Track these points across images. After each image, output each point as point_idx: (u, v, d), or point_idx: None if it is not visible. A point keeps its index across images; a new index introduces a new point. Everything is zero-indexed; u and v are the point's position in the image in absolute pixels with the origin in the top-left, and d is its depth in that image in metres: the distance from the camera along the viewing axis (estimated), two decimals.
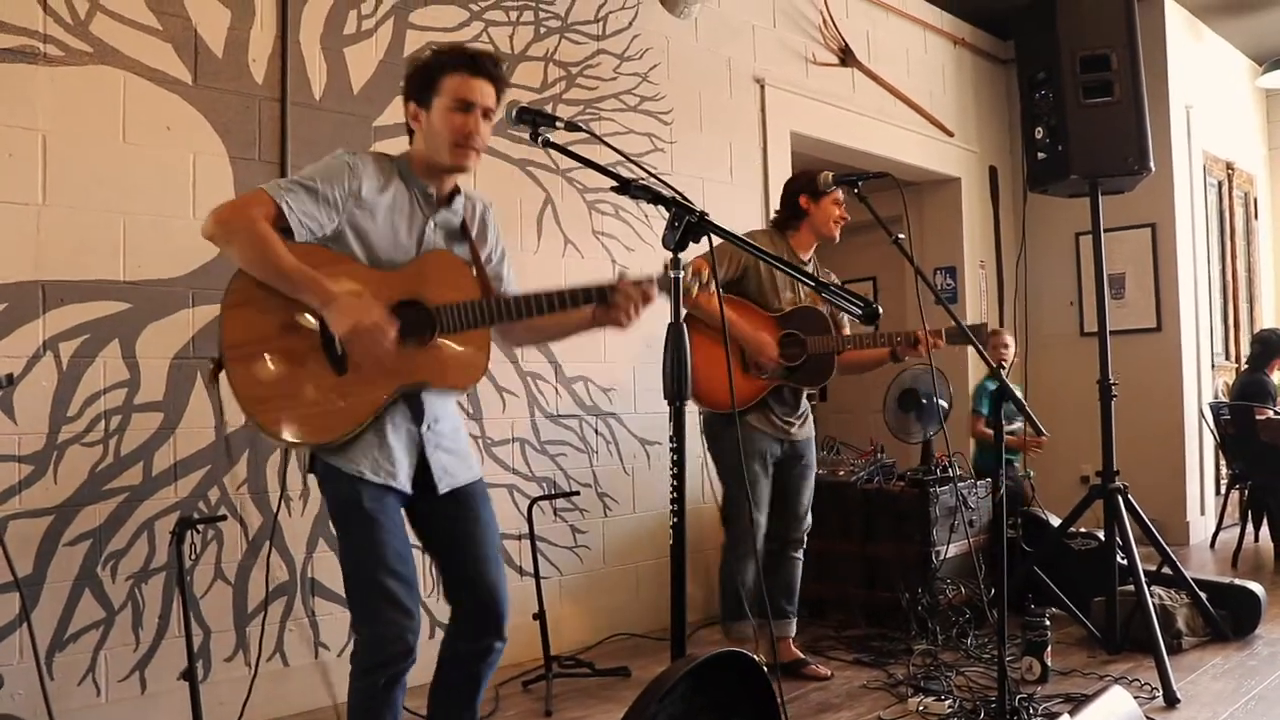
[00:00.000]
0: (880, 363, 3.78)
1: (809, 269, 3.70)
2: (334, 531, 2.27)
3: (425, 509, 2.31)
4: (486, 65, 2.26)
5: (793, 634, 3.82)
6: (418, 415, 2.27)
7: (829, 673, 3.74)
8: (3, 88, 2.92)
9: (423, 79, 2.26)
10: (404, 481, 2.23)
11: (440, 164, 2.28)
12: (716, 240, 2.01)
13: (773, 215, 3.91)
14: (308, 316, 2.14)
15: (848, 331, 3.75)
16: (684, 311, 1.96)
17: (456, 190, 2.37)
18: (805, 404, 3.77)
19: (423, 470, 2.27)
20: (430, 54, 2.29)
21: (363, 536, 2.18)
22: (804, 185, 3.64)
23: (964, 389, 5.71)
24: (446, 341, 2.26)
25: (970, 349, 4.19)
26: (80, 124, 3.06)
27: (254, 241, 2.07)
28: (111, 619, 3.07)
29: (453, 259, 2.32)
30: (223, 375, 2.11)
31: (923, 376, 4.25)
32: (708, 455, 3.70)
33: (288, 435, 2.14)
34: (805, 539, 3.80)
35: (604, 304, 2.28)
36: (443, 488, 2.29)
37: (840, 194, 3.63)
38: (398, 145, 2.39)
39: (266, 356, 2.13)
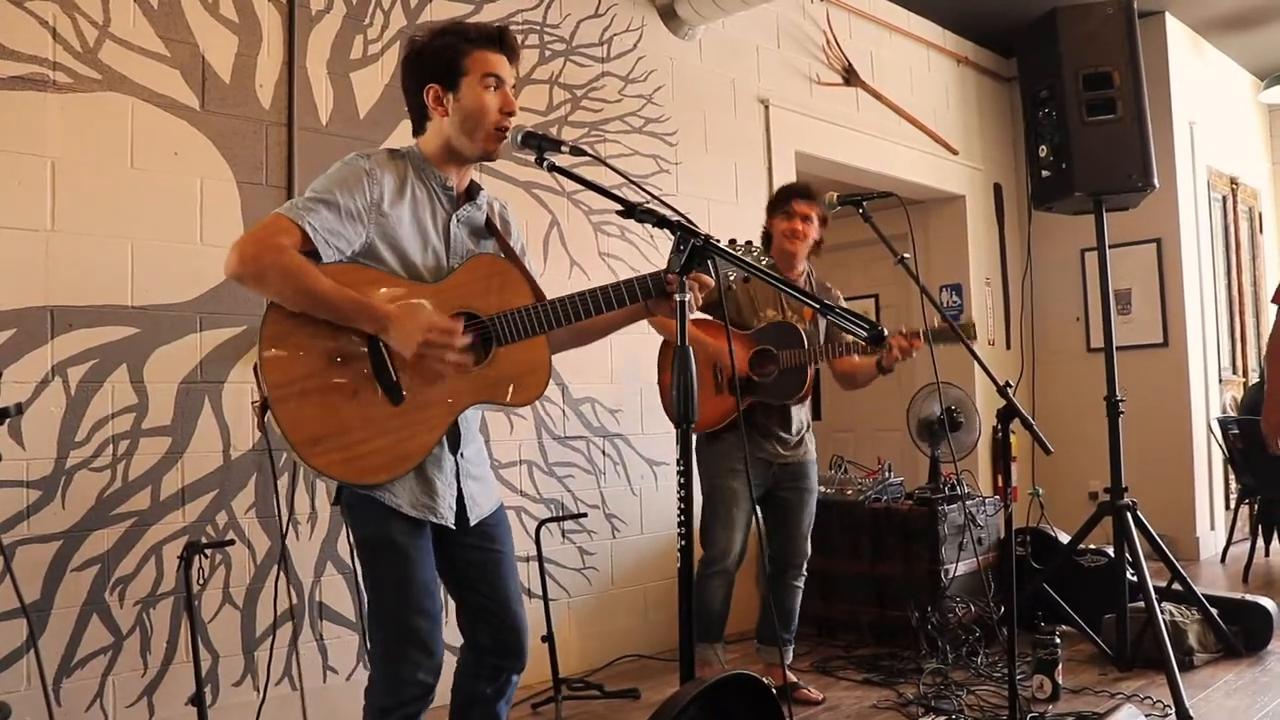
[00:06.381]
0: (870, 374, 3.62)
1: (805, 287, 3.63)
2: (356, 562, 2.16)
3: (451, 541, 2.15)
4: (511, 41, 2.14)
5: (788, 661, 3.77)
6: (455, 441, 2.13)
7: (821, 697, 3.68)
8: (12, 115, 2.94)
9: (445, 57, 2.09)
10: (445, 514, 2.10)
11: (471, 148, 2.12)
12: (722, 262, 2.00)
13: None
14: (355, 342, 1.98)
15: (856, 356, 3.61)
16: (688, 333, 1.96)
17: (477, 186, 2.24)
18: (799, 425, 3.67)
19: (458, 500, 2.14)
20: (445, 32, 2.12)
21: (393, 573, 2.05)
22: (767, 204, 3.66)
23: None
24: (505, 353, 2.10)
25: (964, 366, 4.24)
26: (88, 150, 3.08)
27: (289, 275, 1.91)
28: (119, 644, 3.06)
29: (498, 263, 2.17)
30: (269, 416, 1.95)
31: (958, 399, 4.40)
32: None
33: (347, 478, 1.98)
34: (805, 566, 3.71)
35: (662, 295, 2.09)
36: (473, 519, 2.16)
37: (794, 206, 3.63)
38: None
39: (315, 393, 1.95)
